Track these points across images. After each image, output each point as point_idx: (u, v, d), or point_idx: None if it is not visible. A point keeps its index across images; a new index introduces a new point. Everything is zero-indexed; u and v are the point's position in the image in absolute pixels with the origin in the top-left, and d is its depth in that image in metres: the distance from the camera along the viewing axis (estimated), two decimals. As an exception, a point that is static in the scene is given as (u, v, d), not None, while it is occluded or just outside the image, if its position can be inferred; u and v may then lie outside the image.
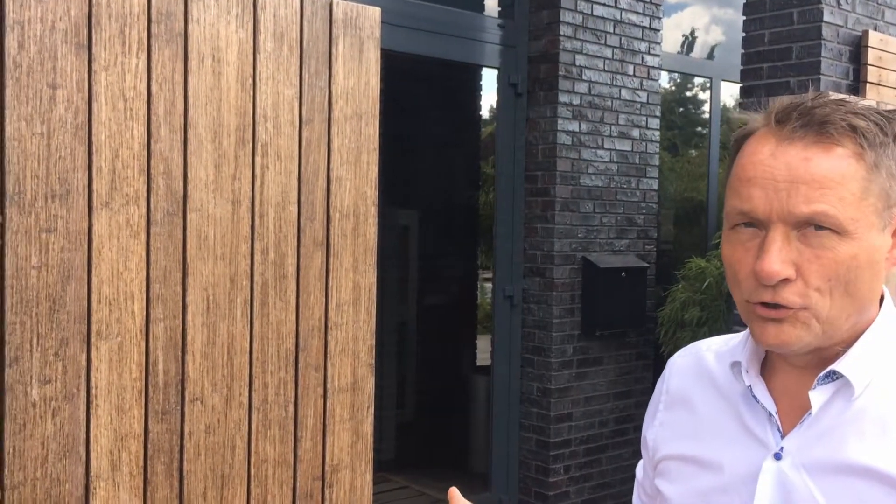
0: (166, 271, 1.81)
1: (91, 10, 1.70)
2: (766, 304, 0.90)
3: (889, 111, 0.90)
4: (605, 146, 4.69)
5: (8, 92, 1.60)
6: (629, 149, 4.81)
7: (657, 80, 4.97)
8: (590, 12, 4.58)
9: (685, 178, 6.21)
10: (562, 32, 4.46)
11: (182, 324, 1.83)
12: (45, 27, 1.64)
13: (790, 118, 0.90)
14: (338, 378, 2.10)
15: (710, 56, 6.18)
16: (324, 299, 2.06)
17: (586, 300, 4.58)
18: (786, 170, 0.88)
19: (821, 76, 3.70)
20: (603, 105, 4.67)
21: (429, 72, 5.54)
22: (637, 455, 4.96)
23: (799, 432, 0.93)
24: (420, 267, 5.81)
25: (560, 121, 4.47)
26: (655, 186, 4.97)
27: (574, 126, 4.53)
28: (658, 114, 4.98)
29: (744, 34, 4.00)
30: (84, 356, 1.70)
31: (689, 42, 6.16)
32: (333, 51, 2.06)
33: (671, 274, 5.01)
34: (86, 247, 1.70)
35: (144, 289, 1.78)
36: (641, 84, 4.86)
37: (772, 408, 0.96)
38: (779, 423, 0.95)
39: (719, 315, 4.41)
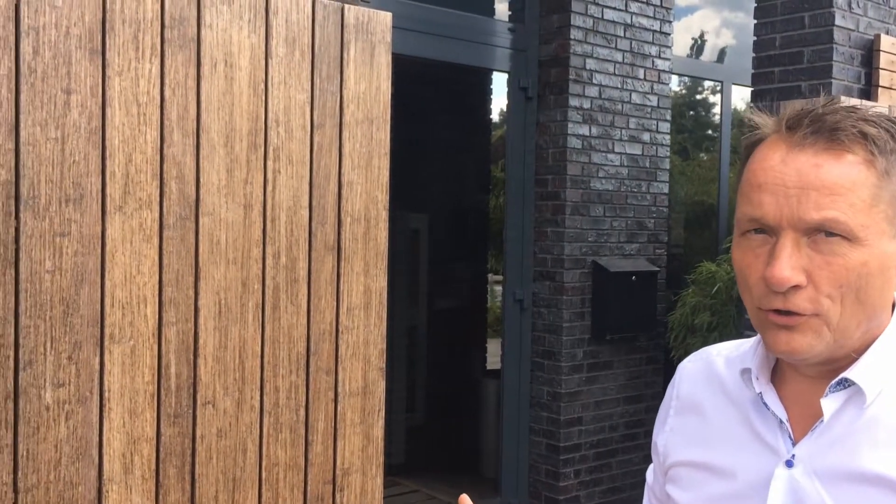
0: (179, 275, 1.81)
1: (105, 16, 1.71)
2: (777, 312, 0.90)
3: None
4: (616, 150, 4.69)
5: (23, 97, 1.62)
6: (639, 152, 4.80)
7: (668, 84, 4.97)
8: (600, 16, 4.58)
9: (696, 182, 6.20)
10: (572, 36, 4.46)
11: (194, 327, 1.84)
12: (60, 33, 1.66)
13: (801, 125, 0.89)
14: (349, 382, 2.10)
15: (721, 60, 6.17)
16: (335, 303, 2.07)
17: (596, 304, 4.58)
18: (796, 176, 0.88)
19: (832, 80, 3.69)
20: (613, 109, 4.66)
21: (439, 76, 5.55)
22: (648, 459, 4.94)
23: (811, 440, 0.93)
24: (430, 270, 5.82)
25: (570, 124, 4.46)
26: (666, 190, 4.96)
27: (584, 130, 4.53)
28: (668, 117, 4.97)
29: (755, 38, 3.99)
30: (97, 359, 1.71)
31: (699, 46, 6.15)
32: (345, 55, 2.07)
33: (681, 278, 5.00)
34: (99, 251, 1.71)
35: (157, 292, 1.78)
36: (652, 88, 4.86)
37: (783, 415, 0.96)
38: (790, 430, 0.95)
39: (729, 320, 4.39)
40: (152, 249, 1.78)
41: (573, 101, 4.48)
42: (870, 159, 0.87)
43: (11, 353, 1.60)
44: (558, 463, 4.49)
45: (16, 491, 1.61)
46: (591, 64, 4.55)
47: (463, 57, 4.39)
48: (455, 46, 4.30)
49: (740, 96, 5.94)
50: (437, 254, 5.79)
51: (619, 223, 4.72)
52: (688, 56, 5.89)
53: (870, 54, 3.84)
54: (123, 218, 1.73)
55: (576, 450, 4.56)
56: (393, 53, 2.19)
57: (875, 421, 0.90)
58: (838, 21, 3.72)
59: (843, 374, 0.91)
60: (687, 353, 4.92)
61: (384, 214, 2.16)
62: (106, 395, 1.71)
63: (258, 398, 1.94)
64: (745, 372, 1.00)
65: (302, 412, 2.02)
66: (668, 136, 4.97)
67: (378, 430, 2.17)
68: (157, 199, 1.78)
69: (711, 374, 1.07)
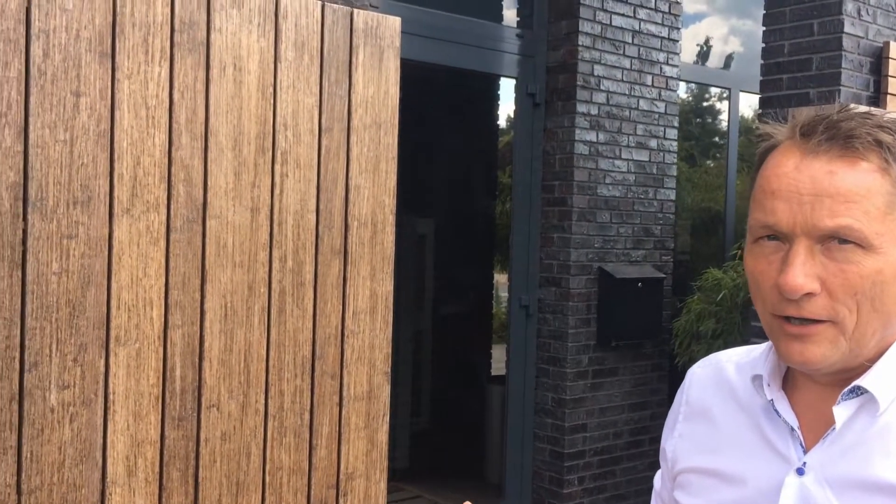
0: (185, 278, 1.82)
1: (115, 20, 1.71)
2: (790, 321, 0.89)
3: None
4: (623, 156, 4.68)
5: (33, 99, 1.62)
6: (647, 159, 4.80)
7: (675, 91, 4.96)
8: (608, 22, 4.58)
9: (703, 189, 6.18)
10: (580, 42, 4.46)
11: (200, 330, 1.84)
12: (70, 36, 1.66)
13: (815, 131, 0.89)
14: (353, 386, 2.10)
15: (729, 66, 6.16)
16: (341, 307, 2.07)
17: (602, 310, 4.57)
18: (810, 183, 0.87)
19: (841, 87, 3.68)
20: (621, 115, 4.66)
21: (447, 81, 5.56)
22: (652, 467, 4.94)
23: (822, 447, 0.92)
24: (436, 276, 5.81)
25: (578, 131, 4.46)
26: (673, 197, 4.95)
27: (592, 136, 4.53)
28: (676, 124, 4.96)
29: (763, 45, 3.99)
30: (102, 362, 1.71)
31: (707, 52, 6.14)
32: (354, 60, 2.07)
33: (687, 285, 4.99)
34: (106, 253, 1.71)
35: (163, 295, 1.79)
36: (660, 94, 4.85)
37: (794, 422, 0.95)
38: (801, 437, 0.94)
39: (734, 327, 4.38)
40: (159, 252, 1.78)
41: (581, 108, 4.48)
42: (884, 167, 0.87)
43: (17, 355, 1.61)
44: (562, 470, 4.48)
45: (19, 493, 1.61)
46: (598, 70, 4.55)
47: (471, 62, 4.39)
48: (463, 52, 4.30)
49: (748, 103, 5.94)
50: (443, 259, 5.79)
51: (625, 230, 4.71)
52: (695, 63, 5.88)
53: (879, 62, 3.83)
54: (131, 220, 1.74)
55: (580, 457, 4.55)
56: (401, 59, 2.19)
57: (888, 429, 0.89)
58: (847, 28, 3.71)
59: (856, 382, 0.90)
60: (691, 360, 4.91)
61: (391, 219, 2.16)
62: (111, 397, 1.71)
63: (263, 402, 1.94)
64: (757, 378, 0.99)
65: (306, 416, 2.02)
66: (675, 143, 4.96)
67: (382, 435, 2.17)
68: (165, 201, 1.78)
69: (721, 380, 1.06)
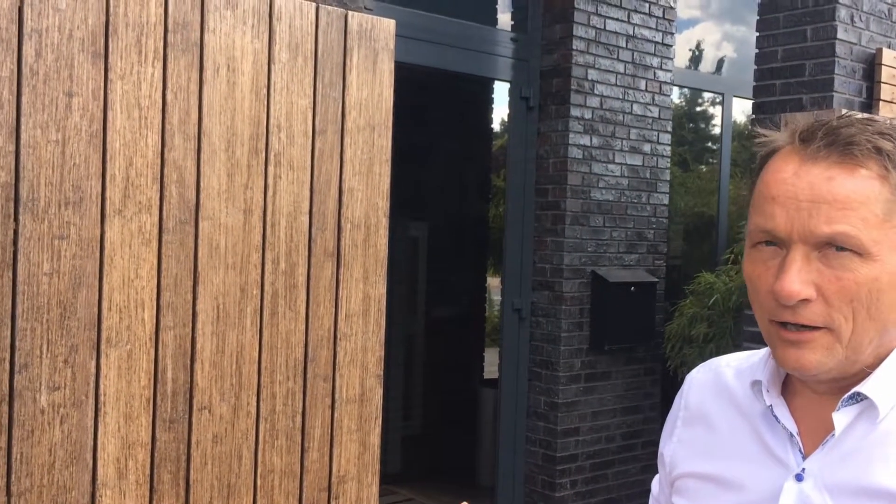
0: (177, 279, 1.81)
1: (108, 20, 1.71)
2: (786, 326, 0.89)
3: None
4: (616, 160, 4.69)
5: (24, 99, 1.61)
6: (640, 163, 4.81)
7: (669, 96, 4.97)
8: (602, 27, 4.59)
9: (696, 194, 6.20)
10: (574, 47, 4.46)
11: (192, 332, 1.83)
12: (63, 36, 1.65)
13: (815, 137, 0.89)
14: (346, 389, 2.10)
15: (722, 72, 6.18)
16: (333, 310, 2.06)
17: (595, 314, 4.57)
18: (808, 189, 0.87)
19: (834, 93, 3.70)
20: (614, 119, 4.67)
21: (441, 84, 5.56)
22: (644, 471, 4.93)
23: (821, 454, 0.92)
24: (429, 279, 5.81)
25: (571, 135, 4.47)
26: (666, 201, 4.96)
27: (585, 140, 4.53)
28: (669, 129, 4.97)
29: (757, 50, 4.00)
30: (93, 363, 1.70)
31: (700, 58, 6.16)
32: (348, 62, 2.07)
33: (680, 289, 5.00)
34: (98, 254, 1.70)
35: (155, 297, 1.78)
36: (653, 99, 4.86)
37: (793, 428, 0.95)
38: (800, 443, 0.94)
39: (726, 331, 4.39)
40: (151, 253, 1.77)
41: (574, 112, 4.48)
42: (883, 174, 0.87)
43: (7, 356, 1.60)
44: (555, 473, 4.48)
45: (8, 494, 1.60)
46: (592, 74, 4.55)
47: (465, 66, 4.39)
48: (457, 55, 4.30)
49: (741, 109, 5.95)
50: (436, 262, 5.79)
51: (618, 234, 4.71)
52: (689, 68, 5.90)
53: (871, 68, 3.84)
54: (123, 221, 1.73)
55: (572, 460, 4.55)
56: (395, 61, 2.19)
57: (888, 436, 0.89)
58: (840, 34, 3.73)
59: (856, 389, 0.90)
60: (683, 364, 4.90)
61: (384, 221, 2.16)
62: (101, 399, 1.71)
63: (255, 404, 1.93)
64: (756, 384, 0.99)
65: (298, 419, 2.01)
66: (668, 148, 4.97)
67: (374, 438, 2.16)
68: (157, 202, 1.78)
69: (720, 385, 1.06)
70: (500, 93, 5.72)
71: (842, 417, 0.91)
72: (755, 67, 4.01)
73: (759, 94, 3.97)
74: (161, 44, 1.78)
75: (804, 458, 0.94)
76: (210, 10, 1.83)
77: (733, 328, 4.32)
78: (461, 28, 4.31)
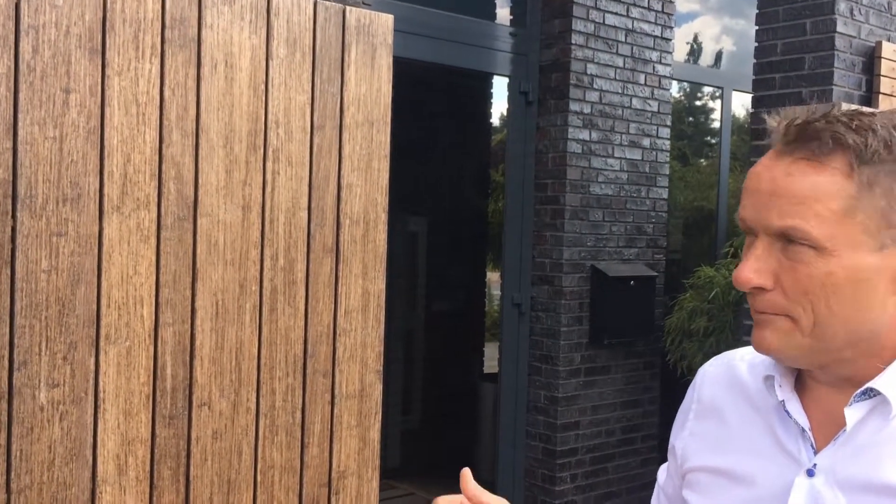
0: (176, 276, 1.81)
1: (105, 16, 1.70)
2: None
3: None
4: (616, 155, 4.69)
5: (21, 96, 1.61)
6: (639, 158, 4.80)
7: (668, 90, 4.97)
8: (601, 21, 4.58)
9: (695, 188, 6.19)
10: (573, 41, 4.45)
11: (191, 328, 1.83)
12: (60, 32, 1.65)
13: (789, 132, 0.90)
14: (345, 384, 2.10)
15: (721, 65, 6.17)
16: (333, 305, 2.06)
17: (595, 308, 4.57)
18: (770, 183, 0.90)
19: (833, 87, 3.69)
20: (614, 114, 4.66)
21: (440, 79, 5.55)
22: (644, 464, 4.93)
23: (833, 449, 0.92)
24: (429, 274, 5.81)
25: (571, 129, 4.46)
26: (665, 195, 4.96)
27: (584, 134, 4.53)
28: (669, 123, 4.97)
29: (756, 44, 3.99)
30: (92, 360, 1.70)
31: (700, 51, 6.15)
32: (346, 57, 2.06)
33: (680, 283, 5.00)
34: (96, 251, 1.70)
35: (154, 293, 1.78)
36: (652, 93, 4.85)
37: (805, 423, 0.95)
38: (812, 438, 0.94)
39: (726, 325, 4.39)
40: (149, 250, 1.77)
41: (574, 106, 4.47)
42: (848, 170, 0.87)
43: (6, 353, 1.60)
44: (555, 467, 4.48)
45: (8, 492, 1.60)
46: (591, 69, 4.55)
47: (464, 61, 4.39)
48: (456, 50, 4.29)
49: (741, 102, 5.94)
50: (435, 257, 5.79)
51: (618, 228, 4.71)
52: (688, 62, 5.89)
53: (871, 61, 3.84)
54: (121, 218, 1.73)
55: (572, 454, 4.55)
56: (394, 56, 2.19)
57: None
58: (840, 28, 3.72)
59: (868, 384, 0.90)
60: (683, 358, 4.89)
61: (383, 217, 2.15)
62: (101, 395, 1.71)
63: (254, 400, 1.93)
64: (769, 378, 0.99)
65: (298, 414, 2.01)
66: (668, 142, 4.97)
67: (374, 433, 2.16)
68: (156, 199, 1.77)
69: (734, 378, 1.06)
70: (499, 87, 5.72)
71: (853, 413, 0.90)
72: (754, 61, 4.00)
73: (759, 88, 3.97)
74: (158, 40, 1.77)
75: (816, 453, 0.93)
76: (207, 5, 1.83)
77: (733, 322, 4.31)
78: (460, 23, 4.30)
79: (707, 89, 6.18)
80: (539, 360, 4.58)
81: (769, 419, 0.99)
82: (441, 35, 4.20)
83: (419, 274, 5.78)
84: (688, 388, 1.15)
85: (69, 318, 1.67)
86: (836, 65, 3.70)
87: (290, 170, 1.98)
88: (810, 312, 0.88)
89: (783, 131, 0.91)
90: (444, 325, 5.87)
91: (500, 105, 6.01)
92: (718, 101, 5.88)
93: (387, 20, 2.15)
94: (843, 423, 0.91)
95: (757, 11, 3.99)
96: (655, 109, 4.87)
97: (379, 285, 2.15)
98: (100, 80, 1.70)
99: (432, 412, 5.77)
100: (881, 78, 3.82)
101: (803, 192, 0.87)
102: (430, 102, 5.71)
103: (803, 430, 0.95)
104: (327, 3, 2.04)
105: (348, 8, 2.07)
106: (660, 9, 4.87)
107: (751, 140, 4.11)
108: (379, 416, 2.17)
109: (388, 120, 2.16)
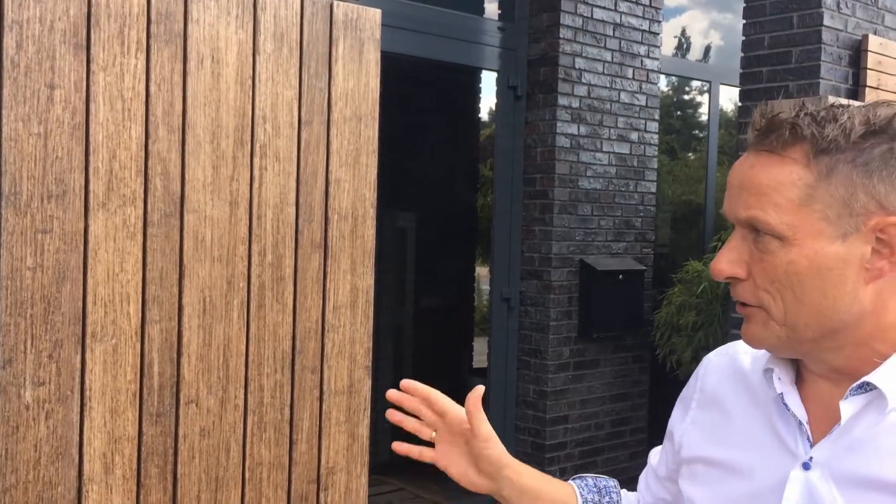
0: (163, 273, 1.80)
1: (90, 11, 1.69)
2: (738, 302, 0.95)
3: (876, 118, 0.88)
4: (604, 149, 4.69)
5: (5, 92, 1.59)
6: (628, 152, 4.81)
7: (656, 84, 4.97)
8: (590, 15, 4.58)
9: (683, 182, 6.21)
10: (561, 35, 4.45)
11: (178, 326, 1.82)
12: (44, 27, 1.63)
13: (757, 126, 0.93)
14: (334, 380, 2.09)
15: (709, 60, 6.18)
16: (321, 301, 2.06)
17: (583, 303, 4.57)
18: (739, 175, 0.93)
19: (820, 80, 3.70)
20: (602, 108, 4.66)
21: (428, 74, 5.54)
22: (633, 457, 4.94)
23: (828, 442, 0.92)
24: (418, 269, 5.80)
25: (559, 123, 4.46)
26: (653, 189, 4.97)
27: (573, 129, 4.53)
28: (657, 117, 4.97)
29: (744, 38, 4.00)
30: (78, 358, 1.69)
31: (687, 46, 6.15)
32: (333, 52, 2.05)
33: (668, 277, 5.01)
34: (81, 248, 1.69)
35: (140, 290, 1.76)
36: (640, 87, 4.86)
37: (803, 417, 0.95)
38: (809, 432, 0.94)
39: (714, 319, 4.40)
40: (136, 247, 1.76)
41: (562, 100, 4.47)
42: (805, 160, 0.88)
43: (-9, 351, 1.58)
44: (544, 461, 4.49)
45: (-5, 490, 1.59)
46: (580, 63, 4.54)
47: (452, 55, 4.38)
48: (444, 45, 4.28)
49: (728, 96, 5.96)
50: (424, 252, 5.78)
51: (606, 222, 4.72)
52: (676, 56, 5.89)
53: (857, 55, 3.85)
54: (107, 215, 1.71)
55: (561, 448, 4.56)
56: (382, 51, 2.18)
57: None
58: (827, 21, 3.73)
59: (865, 378, 0.90)
60: (672, 353, 4.92)
61: (371, 212, 2.15)
62: (87, 393, 1.69)
63: (242, 397, 1.92)
64: (768, 371, 0.99)
65: (287, 411, 2.00)
66: (656, 136, 4.97)
67: (363, 429, 2.16)
68: (142, 195, 1.76)
69: (737, 370, 1.07)
70: (488, 82, 5.71)
71: (849, 406, 0.91)
72: (742, 55, 4.01)
73: (746, 82, 3.98)
74: (144, 35, 1.76)
75: (812, 446, 0.94)
76: (193, 0, 1.81)
77: (721, 316, 4.33)
78: (448, 17, 4.29)
79: (695, 83, 6.20)
80: (528, 354, 4.59)
81: (769, 412, 0.99)
82: (429, 30, 4.19)
83: (408, 269, 5.77)
84: (689, 378, 1.16)
85: (55, 316, 1.65)
86: (822, 58, 3.71)
87: (278, 165, 1.97)
88: (780, 302, 0.90)
89: (754, 125, 0.94)
90: (433, 320, 5.86)
91: (488, 100, 6.00)
92: (706, 95, 5.89)
93: (374, 15, 2.14)
94: (840, 417, 0.91)
95: (744, 5, 4.00)
96: (643, 103, 4.88)
97: (367, 281, 2.14)
98: (85, 76, 1.69)
99: (422, 407, 5.76)
100: (867, 71, 3.83)
101: (764, 183, 0.90)
102: (419, 97, 5.70)
103: (801, 423, 0.95)
104: (314, -3, 2.03)
105: (335, 2, 2.06)
106: (648, 3, 4.87)
107: (738, 134, 4.11)
108: (368, 412, 2.17)
109: (376, 115, 2.16)
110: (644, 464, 1.28)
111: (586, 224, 4.61)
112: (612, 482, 1.26)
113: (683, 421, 1.11)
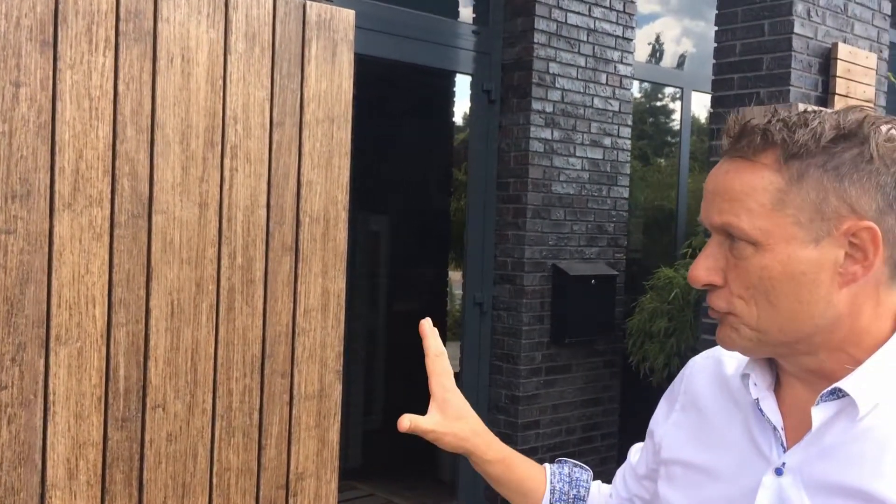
0: (130, 275, 1.76)
1: (57, 7, 1.65)
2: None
3: (846, 122, 0.89)
4: (577, 154, 4.70)
5: (-32, 88, 1.56)
6: (601, 157, 4.82)
7: (629, 90, 5.00)
8: (564, 20, 4.59)
9: (655, 188, 6.24)
10: (536, 40, 4.46)
11: (145, 329, 1.79)
12: (10, 24, 1.60)
13: (731, 132, 0.94)
14: (304, 385, 2.07)
15: (682, 66, 6.23)
16: (292, 305, 2.03)
17: (556, 307, 4.58)
18: (713, 182, 0.94)
19: (791, 87, 3.74)
20: (575, 113, 4.68)
21: (403, 77, 5.52)
22: (604, 462, 4.95)
23: (800, 448, 0.92)
24: (390, 273, 5.78)
25: (533, 128, 4.46)
26: (626, 195, 4.99)
27: (546, 133, 4.53)
28: (630, 122, 5.00)
29: (715, 44, 4.03)
30: (42, 361, 1.65)
31: (661, 52, 6.19)
32: (306, 53, 2.03)
33: (640, 282, 5.03)
34: (46, 249, 1.65)
35: (106, 293, 1.73)
36: (614, 93, 4.88)
37: (778, 422, 0.95)
38: (783, 438, 0.94)
39: (686, 325, 4.43)
40: (102, 248, 1.72)
41: (536, 105, 4.48)
42: (777, 166, 0.89)
43: (-49, 354, 1.54)
44: (516, 466, 4.48)
45: (-46, 497, 1.55)
46: (553, 68, 4.55)
47: (426, 59, 4.37)
48: (418, 48, 4.27)
49: (700, 103, 6.00)
50: (397, 256, 5.76)
51: (579, 227, 4.73)
52: (649, 62, 5.93)
53: (827, 62, 3.90)
54: (72, 215, 1.68)
55: (533, 453, 4.56)
56: (356, 54, 2.16)
57: (866, 434, 0.88)
58: (797, 29, 3.77)
59: (836, 384, 0.89)
60: (645, 360, 4.95)
61: (344, 215, 2.13)
62: (50, 398, 1.66)
63: (210, 401, 1.90)
64: (745, 377, 0.99)
65: (255, 416, 1.98)
66: (628, 141, 5.00)
67: (334, 434, 2.13)
68: (109, 196, 1.73)
69: (720, 374, 1.07)
70: (462, 86, 5.71)
71: (820, 413, 0.91)
72: (714, 61, 4.04)
73: (718, 89, 4.01)
74: (112, 33, 1.73)
75: (786, 451, 0.93)
76: (163, -2, 1.79)
77: (693, 321, 4.35)
78: (422, 20, 4.28)
79: (667, 90, 6.24)
80: (500, 359, 4.58)
81: (747, 417, 0.99)
82: (403, 32, 4.17)
83: (381, 273, 5.75)
84: (670, 380, 1.16)
85: (18, 319, 1.62)
86: (793, 65, 3.75)
87: (249, 167, 1.94)
88: (753, 307, 0.90)
89: (728, 131, 0.94)
90: (405, 324, 5.84)
91: (462, 103, 6.00)
92: (678, 102, 5.93)
93: (348, 16, 2.12)
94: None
95: (716, 12, 4.03)
96: (617, 109, 4.90)
97: (339, 284, 2.12)
98: (51, 74, 1.65)
99: (394, 412, 5.74)
100: (837, 79, 3.88)
101: (737, 188, 0.90)
102: (393, 100, 5.69)
103: (775, 428, 0.95)
104: (287, -3, 2.01)
105: (308, 3, 2.04)
106: (621, 9, 4.89)
107: (709, 140, 4.14)
108: (338, 417, 2.15)
109: (349, 117, 2.14)
110: (615, 468, 1.28)
111: (559, 229, 4.62)
112: (587, 475, 1.26)
113: (665, 422, 1.11)
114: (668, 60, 6.26)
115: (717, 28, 4.02)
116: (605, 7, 4.80)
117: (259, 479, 1.99)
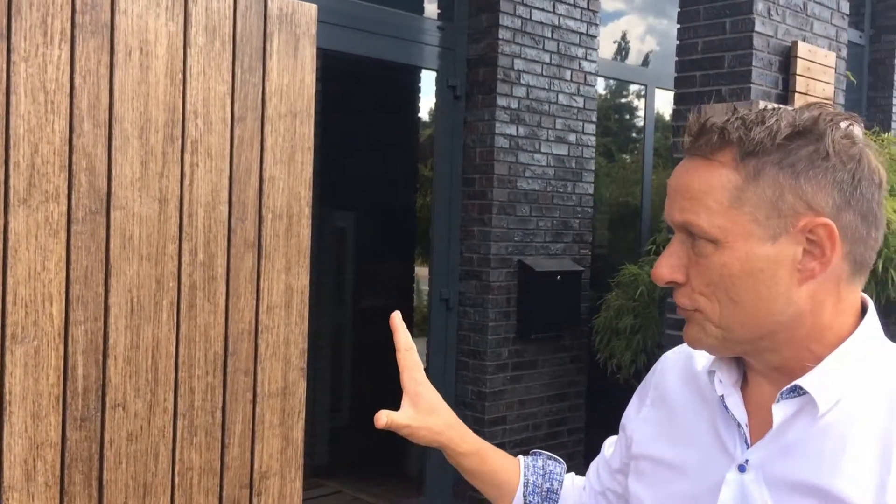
0: (88, 272, 1.73)
1: (10, -2, 1.62)
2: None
3: (802, 120, 0.89)
4: (542, 150, 4.71)
5: (-83, 81, 1.52)
6: (566, 153, 4.84)
7: (594, 86, 5.02)
8: (528, 17, 4.60)
9: (620, 184, 6.28)
10: (500, 36, 4.46)
11: (104, 326, 1.76)
12: (-40, 14, 1.56)
13: (691, 131, 0.94)
14: (268, 383, 2.05)
15: (646, 64, 6.27)
16: (254, 302, 2.01)
17: (522, 303, 4.59)
18: (675, 181, 0.94)
19: (751, 85, 3.77)
20: (540, 109, 4.69)
21: (367, 72, 5.50)
22: (571, 458, 4.96)
23: (761, 445, 0.92)
24: (356, 269, 5.75)
25: (498, 124, 4.47)
26: (591, 191, 5.01)
27: (511, 130, 4.54)
28: (594, 119, 5.02)
29: (678, 42, 4.06)
30: (-2, 360, 1.61)
31: (625, 49, 6.23)
32: (268, 47, 2.01)
33: (605, 278, 5.06)
34: (1, 246, 1.62)
35: (64, 290, 1.70)
36: (578, 89, 4.90)
37: (742, 419, 0.95)
38: (747, 434, 0.94)
39: (652, 321, 4.46)
40: (59, 244, 1.69)
41: (501, 101, 4.48)
42: (734, 163, 0.89)
43: None
44: (482, 462, 4.48)
45: None
46: (518, 64, 4.56)
47: (391, 54, 4.35)
48: (383, 43, 4.25)
49: (664, 100, 6.05)
50: (363, 252, 5.73)
51: (544, 223, 4.74)
52: (614, 59, 5.96)
53: (787, 60, 3.94)
54: (28, 211, 1.65)
55: (500, 448, 4.56)
56: (320, 49, 2.14)
57: (826, 432, 0.89)
58: (758, 27, 3.81)
59: (795, 381, 0.90)
60: (612, 357, 4.96)
61: (307, 211, 2.11)
62: (6, 397, 1.62)
63: (172, 400, 1.87)
64: (712, 373, 1.00)
65: (218, 414, 1.95)
66: (593, 138, 5.02)
67: (298, 432, 2.12)
68: (66, 191, 1.70)
69: (689, 370, 1.07)
70: (427, 82, 5.69)
71: (780, 410, 0.91)
72: (676, 59, 4.07)
73: (680, 86, 4.04)
74: (68, 25, 1.69)
75: (749, 449, 0.94)
76: (121, -10, 1.76)
77: (658, 318, 4.39)
78: (387, 16, 4.26)
79: (632, 87, 6.28)
80: (467, 355, 4.58)
81: (713, 413, 0.99)
82: (367, 27, 4.15)
83: (346, 269, 5.72)
84: (644, 374, 1.16)
85: (-29, 317, 1.58)
86: (754, 63, 3.79)
87: (210, 162, 1.92)
88: (716, 304, 0.91)
89: (689, 130, 0.94)
90: (371, 320, 5.82)
91: (427, 99, 5.98)
92: (643, 99, 5.97)
93: (310, 10, 2.10)
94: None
95: (679, 10, 4.06)
96: (581, 105, 4.92)
97: (303, 281, 2.10)
98: (5, 67, 1.62)
99: (360, 409, 5.72)
100: (797, 77, 3.92)
101: (696, 187, 0.91)
102: (358, 95, 5.66)
103: (740, 425, 0.95)
104: (248, -10, 1.98)
105: (270, -4, 2.02)
106: (585, 6, 4.91)
107: (673, 137, 4.17)
108: (302, 415, 2.13)
109: (312, 111, 2.12)
110: (581, 464, 1.28)
111: (525, 225, 4.63)
112: (560, 468, 1.26)
113: (636, 416, 1.11)
114: (633, 58, 6.31)
115: (679, 26, 4.05)
116: (569, 4, 4.81)
117: (222, 478, 1.97)
